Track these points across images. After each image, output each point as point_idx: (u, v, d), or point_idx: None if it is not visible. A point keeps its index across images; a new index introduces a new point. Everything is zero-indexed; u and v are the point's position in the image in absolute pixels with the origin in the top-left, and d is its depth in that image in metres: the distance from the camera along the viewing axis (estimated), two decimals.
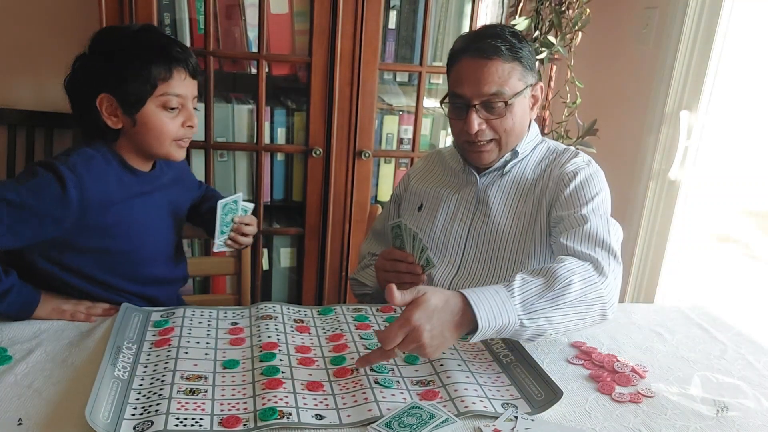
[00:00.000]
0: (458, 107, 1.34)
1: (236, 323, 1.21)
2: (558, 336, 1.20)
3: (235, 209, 1.38)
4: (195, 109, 1.30)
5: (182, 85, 1.25)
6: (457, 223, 1.43)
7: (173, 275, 1.41)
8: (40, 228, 1.15)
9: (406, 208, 1.55)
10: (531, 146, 1.44)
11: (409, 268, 1.32)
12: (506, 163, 1.42)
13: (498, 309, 1.02)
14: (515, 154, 1.40)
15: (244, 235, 1.41)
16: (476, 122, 1.32)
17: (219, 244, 1.39)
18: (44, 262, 1.22)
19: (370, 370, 1.05)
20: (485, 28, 1.41)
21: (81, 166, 1.19)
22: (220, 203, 1.34)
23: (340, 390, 1.00)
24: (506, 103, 1.31)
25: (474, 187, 1.44)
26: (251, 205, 1.41)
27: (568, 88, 2.17)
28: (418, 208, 1.51)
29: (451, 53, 1.38)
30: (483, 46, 1.31)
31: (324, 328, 1.21)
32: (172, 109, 1.25)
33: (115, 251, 1.26)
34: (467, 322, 1.01)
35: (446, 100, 1.38)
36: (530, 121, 1.43)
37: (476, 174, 1.44)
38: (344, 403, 0.96)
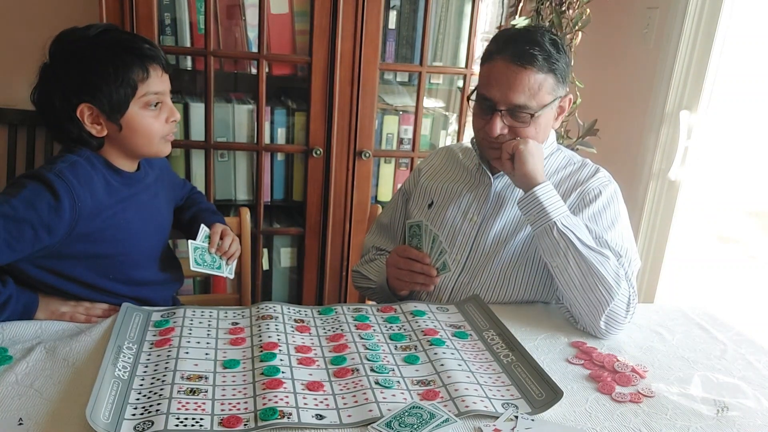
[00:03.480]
0: (484, 108, 1.33)
1: (237, 323, 1.21)
2: (560, 277, 1.27)
3: (204, 245, 1.36)
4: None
5: (159, 82, 1.23)
6: (467, 222, 1.43)
7: (166, 277, 1.39)
8: (35, 240, 1.14)
9: (415, 203, 1.54)
10: (548, 152, 1.43)
11: (424, 269, 1.32)
12: None
13: (554, 201, 1.27)
14: None
15: (230, 251, 1.39)
16: (498, 126, 1.30)
17: (228, 275, 1.40)
18: (35, 269, 1.20)
19: (371, 370, 1.05)
20: (527, 31, 1.36)
21: (68, 172, 1.17)
22: (192, 263, 1.33)
23: (341, 390, 1.00)
24: (533, 116, 1.30)
25: (488, 188, 1.43)
26: (206, 229, 1.37)
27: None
28: (429, 206, 1.50)
29: (487, 51, 1.35)
30: (520, 51, 1.27)
31: (324, 328, 1.21)
32: (155, 107, 1.24)
33: (106, 255, 1.25)
34: (535, 181, 1.27)
35: (473, 96, 1.36)
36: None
37: (490, 175, 1.43)
38: (345, 403, 0.96)
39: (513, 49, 1.28)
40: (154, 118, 1.24)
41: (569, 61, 1.36)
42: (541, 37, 1.30)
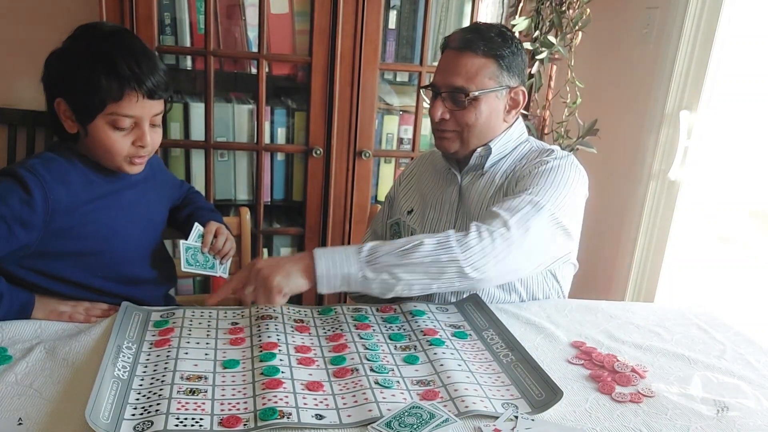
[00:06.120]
0: (432, 96, 1.39)
1: (236, 323, 1.21)
2: (414, 293, 1.18)
3: (197, 245, 1.34)
4: (154, 125, 1.22)
5: (134, 107, 1.16)
6: (443, 223, 1.44)
7: (155, 275, 1.37)
8: (10, 236, 1.13)
9: (396, 211, 1.56)
10: (512, 145, 1.42)
11: None
12: (482, 160, 1.41)
13: (341, 260, 1.13)
14: (488, 149, 1.39)
15: (224, 250, 1.37)
16: (439, 111, 1.35)
17: (222, 274, 1.38)
18: (21, 271, 1.20)
19: (371, 370, 1.05)
20: (477, 23, 1.45)
21: (41, 167, 1.17)
22: (184, 264, 1.31)
23: (340, 390, 1.00)
24: (467, 96, 1.32)
25: (456, 187, 1.45)
26: (199, 228, 1.35)
27: (568, 88, 2.17)
28: (408, 212, 1.52)
29: (441, 46, 1.42)
30: (461, 38, 1.35)
31: (324, 328, 1.21)
32: (123, 127, 1.18)
33: (90, 252, 1.24)
34: (310, 269, 1.12)
35: (429, 89, 1.41)
36: (511, 124, 1.41)
37: (457, 173, 1.44)
38: (344, 403, 0.96)
39: (456, 38, 1.36)
40: (121, 136, 1.18)
41: (519, 52, 1.37)
42: (487, 28, 1.37)
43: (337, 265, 1.13)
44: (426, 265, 1.14)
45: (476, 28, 1.39)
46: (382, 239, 1.60)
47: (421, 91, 1.43)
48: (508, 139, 1.41)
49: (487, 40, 1.32)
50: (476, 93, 1.32)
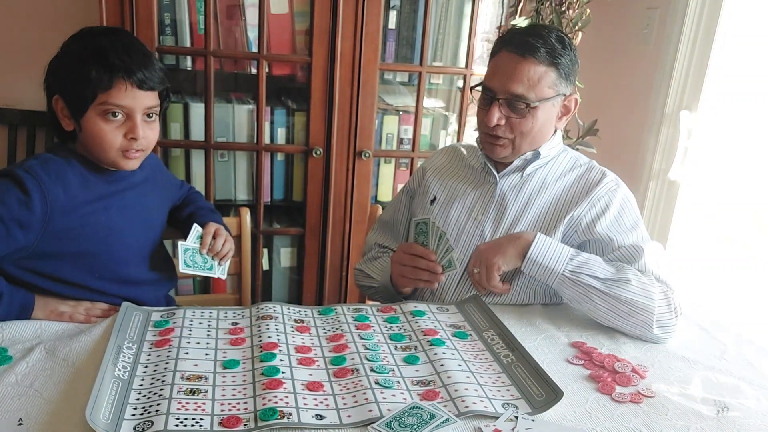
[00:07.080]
0: (486, 99, 1.36)
1: (236, 323, 1.21)
2: (598, 319, 1.28)
3: (195, 246, 1.32)
4: (149, 116, 1.22)
5: (124, 97, 1.17)
6: (471, 221, 1.42)
7: (156, 276, 1.37)
8: (8, 236, 1.13)
9: (419, 201, 1.53)
10: (554, 152, 1.42)
11: (429, 266, 1.32)
12: (526, 163, 1.40)
13: (552, 255, 1.25)
14: (537, 155, 1.39)
15: (222, 251, 1.36)
16: (496, 117, 1.32)
17: (220, 276, 1.37)
18: (18, 271, 1.20)
19: (371, 370, 1.05)
20: (534, 26, 1.44)
21: (38, 168, 1.17)
22: (182, 265, 1.29)
23: (341, 390, 1.00)
24: (529, 106, 1.30)
25: (493, 187, 1.43)
26: (198, 229, 1.33)
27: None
28: (431, 202, 1.49)
29: (494, 46, 1.38)
30: (522, 42, 1.30)
31: (324, 328, 1.21)
32: (114, 118, 1.18)
33: (89, 253, 1.24)
34: (526, 249, 1.26)
35: (478, 88, 1.38)
36: (556, 130, 1.42)
37: (496, 173, 1.43)
38: (344, 404, 0.96)
39: (517, 41, 1.32)
40: (111, 129, 1.19)
41: (576, 59, 1.35)
42: (547, 32, 1.33)
43: (548, 257, 1.25)
44: (621, 302, 1.23)
45: (538, 32, 1.32)
46: (395, 230, 1.59)
47: (470, 91, 1.42)
48: (552, 145, 1.41)
49: (549, 47, 1.29)
50: (537, 103, 1.30)
